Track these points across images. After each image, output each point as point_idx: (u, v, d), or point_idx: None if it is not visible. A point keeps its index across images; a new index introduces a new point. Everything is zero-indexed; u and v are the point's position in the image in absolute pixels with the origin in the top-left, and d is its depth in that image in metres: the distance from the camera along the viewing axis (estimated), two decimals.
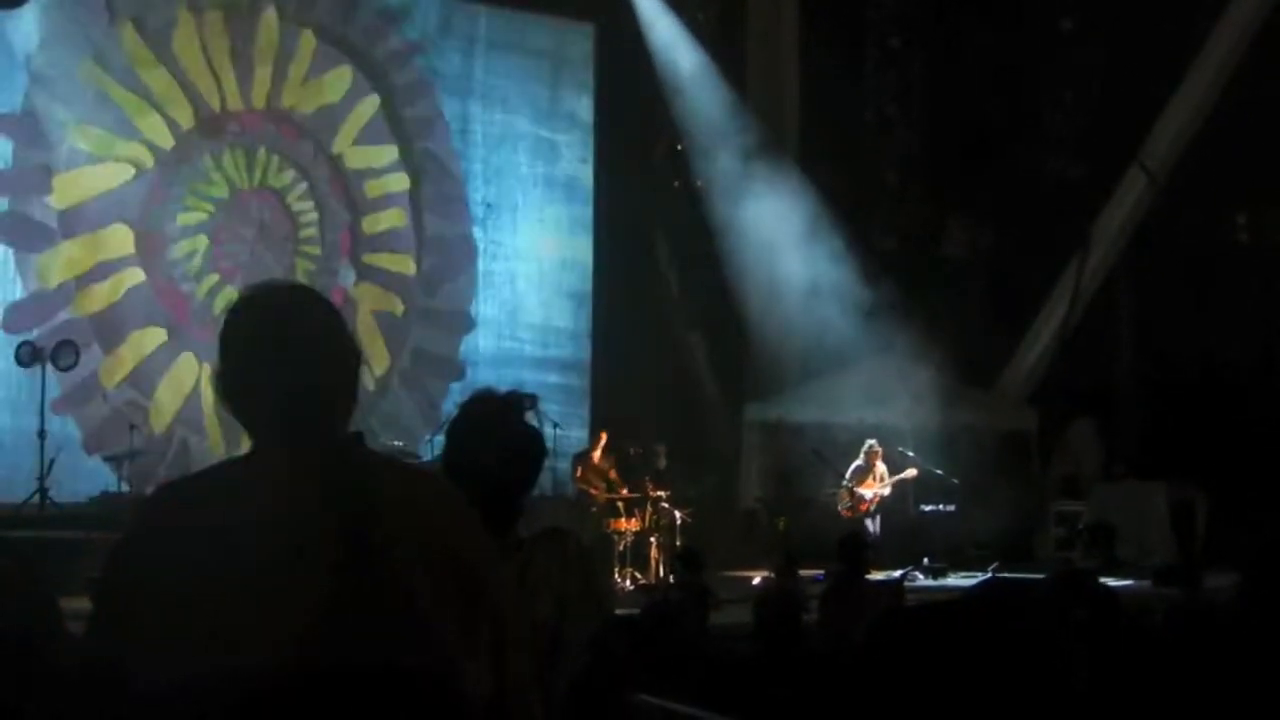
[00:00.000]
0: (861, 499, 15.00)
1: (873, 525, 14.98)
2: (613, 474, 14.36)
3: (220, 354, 2.19)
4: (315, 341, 2.18)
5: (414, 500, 2.17)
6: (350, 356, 2.23)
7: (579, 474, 14.38)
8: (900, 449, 15.46)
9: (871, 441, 15.29)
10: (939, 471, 15.56)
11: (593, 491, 14.15)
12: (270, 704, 2.00)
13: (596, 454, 14.45)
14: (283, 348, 2.16)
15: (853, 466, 15.18)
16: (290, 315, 2.19)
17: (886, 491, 15.18)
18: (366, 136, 16.41)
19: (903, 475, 15.24)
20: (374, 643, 2.03)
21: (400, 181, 16.70)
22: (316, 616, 2.01)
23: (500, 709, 2.16)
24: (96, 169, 14.55)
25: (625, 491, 14.16)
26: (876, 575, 11.84)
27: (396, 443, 14.83)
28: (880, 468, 15.20)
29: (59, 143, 14.31)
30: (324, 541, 2.04)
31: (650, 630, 5.62)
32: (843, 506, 15.03)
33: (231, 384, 2.17)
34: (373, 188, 16.48)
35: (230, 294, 14.70)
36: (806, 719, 4.93)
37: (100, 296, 14.54)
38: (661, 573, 13.71)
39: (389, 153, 16.61)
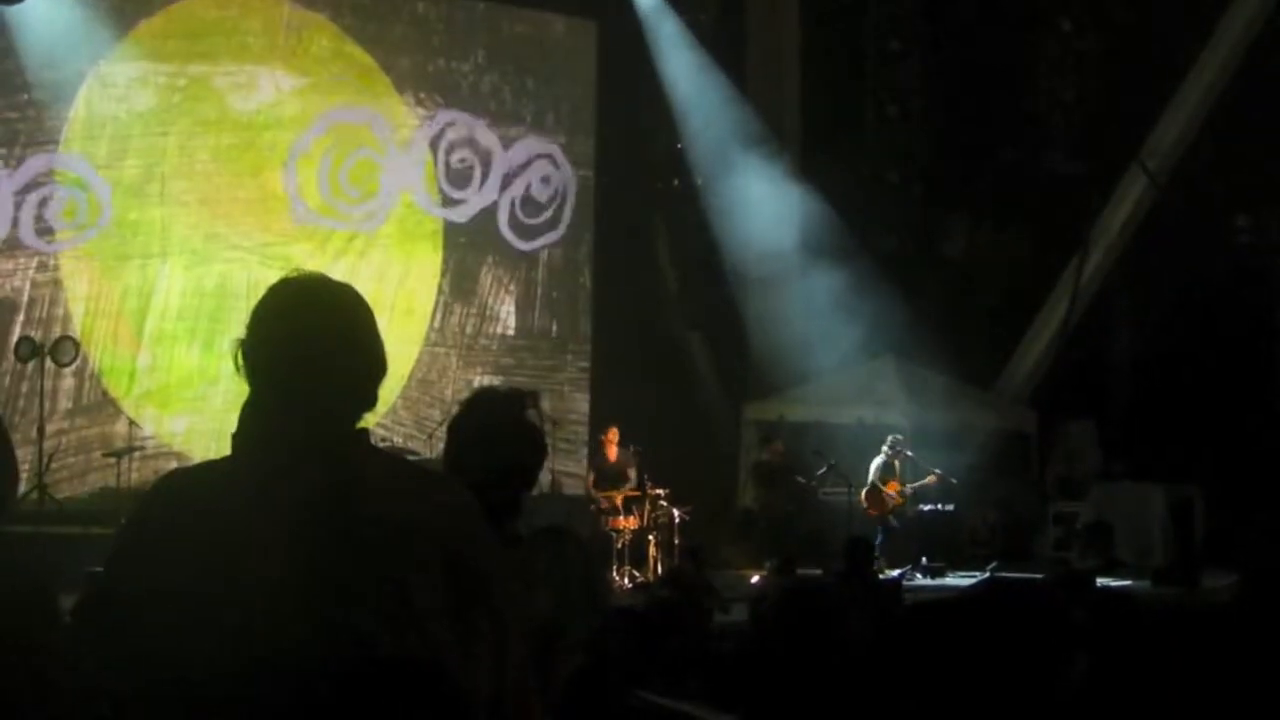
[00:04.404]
0: (891, 497, 15.00)
1: (895, 522, 15.04)
2: (631, 471, 14.16)
3: (246, 330, 2.20)
4: (329, 339, 2.17)
5: (413, 496, 2.17)
6: (368, 360, 2.22)
7: (591, 481, 14.27)
8: (909, 454, 15.42)
9: (897, 437, 15.26)
10: (954, 480, 15.47)
11: (604, 504, 13.81)
12: (258, 698, 2.00)
13: (612, 452, 14.25)
14: (295, 340, 2.16)
15: (878, 463, 15.08)
16: (311, 309, 2.19)
17: (909, 491, 15.22)
18: None
19: (925, 480, 15.25)
20: (364, 639, 2.03)
21: None
22: (302, 611, 2.02)
23: (500, 707, 2.16)
24: None
25: (633, 489, 13.95)
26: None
27: (397, 440, 14.80)
28: (898, 466, 15.22)
29: None
30: (310, 535, 2.05)
31: (652, 627, 5.63)
32: (871, 505, 14.97)
33: (244, 361, 2.19)
34: None
35: None
36: (804, 717, 4.93)
37: None
38: (660, 571, 13.65)
39: None
